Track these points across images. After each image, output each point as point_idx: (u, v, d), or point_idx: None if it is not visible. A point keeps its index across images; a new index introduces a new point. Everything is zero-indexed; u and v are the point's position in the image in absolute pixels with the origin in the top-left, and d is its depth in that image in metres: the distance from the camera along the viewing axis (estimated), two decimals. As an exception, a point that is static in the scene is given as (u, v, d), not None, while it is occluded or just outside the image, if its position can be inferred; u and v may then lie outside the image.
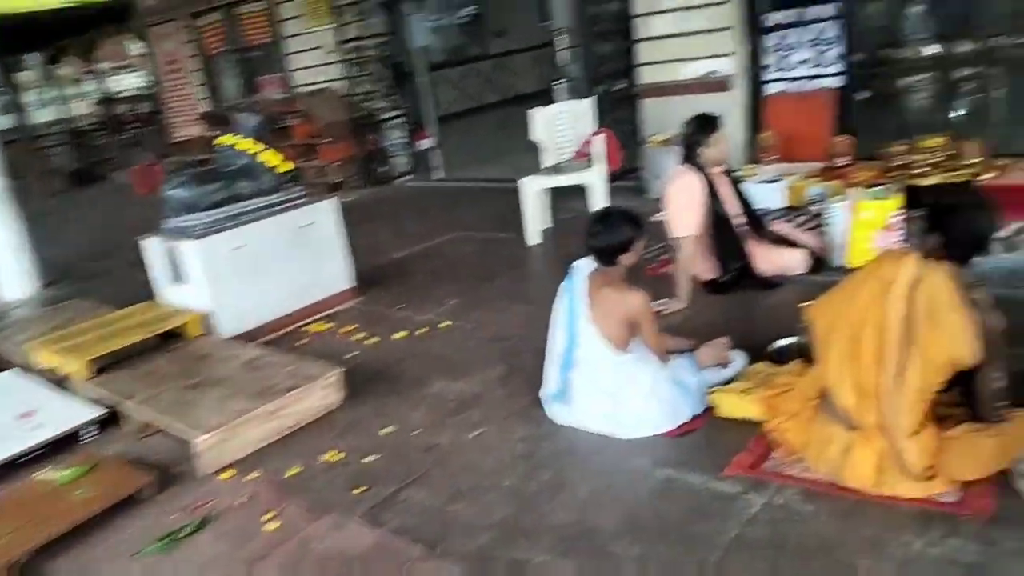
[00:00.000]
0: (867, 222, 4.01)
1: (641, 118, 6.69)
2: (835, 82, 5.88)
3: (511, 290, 4.81)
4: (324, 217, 4.89)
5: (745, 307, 3.95)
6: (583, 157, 5.73)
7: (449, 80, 12.11)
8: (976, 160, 4.75)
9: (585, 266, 2.99)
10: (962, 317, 2.12)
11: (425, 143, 8.76)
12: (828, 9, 5.81)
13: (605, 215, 2.96)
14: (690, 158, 4.08)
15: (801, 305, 2.49)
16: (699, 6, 6.15)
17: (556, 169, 5.71)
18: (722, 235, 4.06)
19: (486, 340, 4.06)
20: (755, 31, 6.17)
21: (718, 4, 6.07)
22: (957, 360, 2.11)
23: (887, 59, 5.90)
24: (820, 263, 4.14)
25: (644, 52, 6.56)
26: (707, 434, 2.81)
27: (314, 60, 9.29)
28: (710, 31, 6.16)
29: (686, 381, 2.91)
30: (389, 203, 7.95)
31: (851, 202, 4.06)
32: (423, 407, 3.44)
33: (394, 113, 8.78)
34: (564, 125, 5.96)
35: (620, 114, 6.88)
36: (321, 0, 8.84)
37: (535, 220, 5.64)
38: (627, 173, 6.47)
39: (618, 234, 2.85)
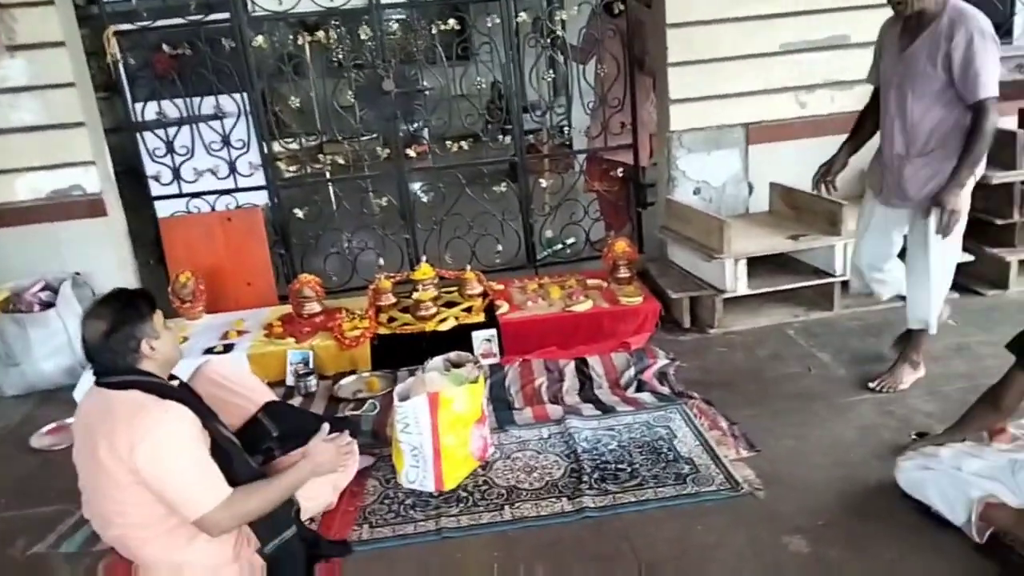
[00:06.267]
0: (460, 418, 2.66)
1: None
2: (259, 197, 4.38)
3: None
4: None
5: None
6: None
7: None
8: (479, 290, 3.92)
9: None
10: None
11: None
12: (230, 102, 4.27)
13: None
14: (127, 369, 2.04)
15: None
16: (20, 88, 3.86)
17: None
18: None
19: None
20: (132, 129, 4.20)
21: (54, 87, 3.90)
22: None
23: (317, 167, 4.65)
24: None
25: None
26: None
27: None
28: (50, 127, 3.93)
29: None
30: None
31: (426, 393, 2.65)
32: None
33: None
34: None
35: None
36: None
37: None
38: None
39: None
